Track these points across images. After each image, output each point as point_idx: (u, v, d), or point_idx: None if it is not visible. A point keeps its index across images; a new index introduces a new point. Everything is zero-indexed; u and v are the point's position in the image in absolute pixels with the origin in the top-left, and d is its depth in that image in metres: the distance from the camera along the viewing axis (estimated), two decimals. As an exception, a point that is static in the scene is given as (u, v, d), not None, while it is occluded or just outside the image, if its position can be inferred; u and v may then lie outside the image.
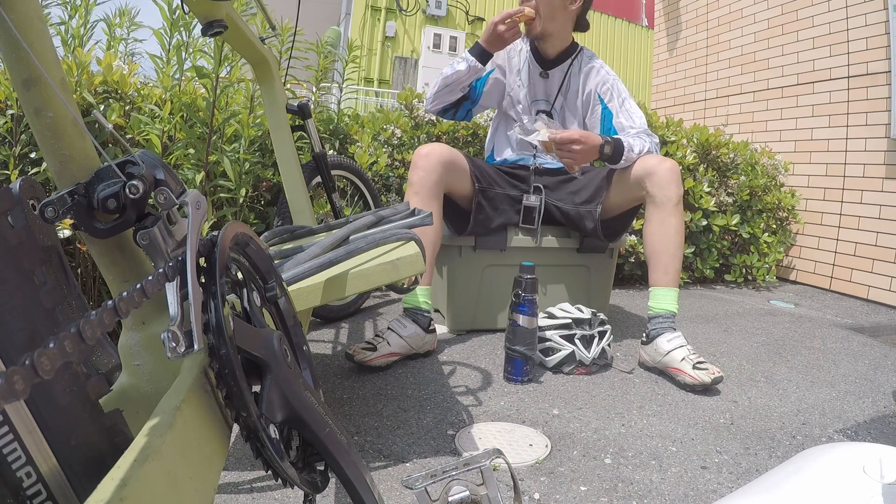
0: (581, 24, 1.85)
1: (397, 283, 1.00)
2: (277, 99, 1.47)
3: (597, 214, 1.75)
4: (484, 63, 1.73)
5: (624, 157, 1.64)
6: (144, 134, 1.73)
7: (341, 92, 2.52)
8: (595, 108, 1.81)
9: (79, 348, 0.29)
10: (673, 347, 1.51)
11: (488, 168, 1.83)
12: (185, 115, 1.78)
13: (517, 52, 1.88)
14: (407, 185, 1.67)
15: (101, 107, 1.75)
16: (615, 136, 1.67)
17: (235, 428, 0.47)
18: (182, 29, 1.80)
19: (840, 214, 2.98)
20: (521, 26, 1.71)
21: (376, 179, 2.37)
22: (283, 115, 1.48)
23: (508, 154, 1.94)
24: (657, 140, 1.74)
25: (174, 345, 0.40)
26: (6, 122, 1.62)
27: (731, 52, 3.78)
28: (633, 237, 2.67)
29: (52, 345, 0.27)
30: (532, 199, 1.82)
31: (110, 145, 1.70)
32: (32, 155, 1.65)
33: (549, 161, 1.88)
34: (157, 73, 1.85)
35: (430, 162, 1.62)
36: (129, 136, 1.73)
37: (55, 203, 0.47)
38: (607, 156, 1.63)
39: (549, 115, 1.86)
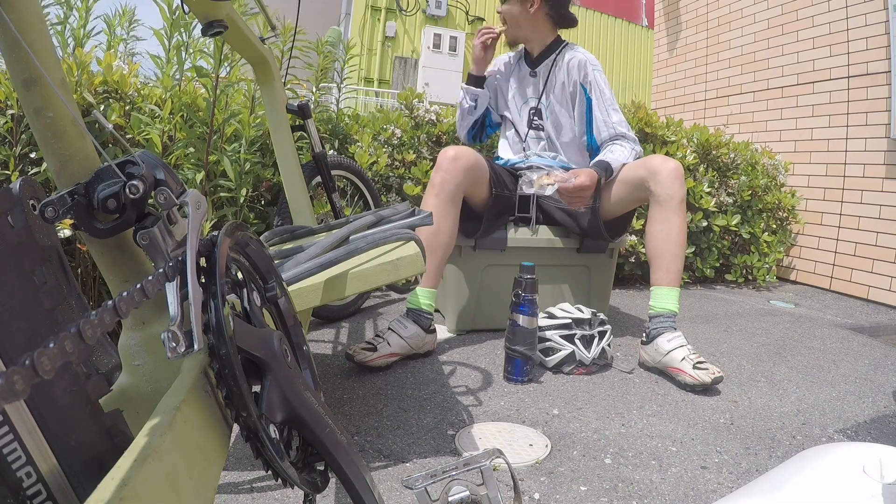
0: (564, 21, 1.88)
1: (397, 282, 1.00)
2: (277, 99, 1.47)
3: (597, 211, 1.77)
4: (479, 85, 1.91)
5: (615, 173, 1.73)
6: (144, 134, 1.73)
7: (340, 92, 2.52)
8: (582, 98, 1.85)
9: (79, 348, 0.29)
10: (673, 347, 1.51)
11: (501, 171, 1.84)
12: (185, 114, 1.78)
13: (505, 63, 1.98)
14: (428, 184, 1.66)
15: (101, 107, 1.75)
16: (599, 160, 1.75)
17: (235, 428, 0.47)
18: (182, 29, 1.80)
19: (840, 214, 2.98)
20: (502, 38, 1.87)
21: (376, 179, 2.37)
22: (283, 115, 1.48)
23: (508, 155, 1.98)
24: (634, 136, 1.81)
25: (174, 345, 0.40)
26: (6, 122, 1.62)
27: (731, 52, 3.78)
28: (633, 237, 2.67)
29: (52, 345, 0.27)
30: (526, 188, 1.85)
31: (110, 145, 1.70)
32: (32, 155, 1.65)
33: (544, 163, 1.90)
34: (157, 71, 1.85)
35: (456, 166, 1.62)
36: (129, 136, 1.73)
37: (55, 203, 0.47)
38: (604, 179, 1.73)
39: (539, 112, 1.90)
